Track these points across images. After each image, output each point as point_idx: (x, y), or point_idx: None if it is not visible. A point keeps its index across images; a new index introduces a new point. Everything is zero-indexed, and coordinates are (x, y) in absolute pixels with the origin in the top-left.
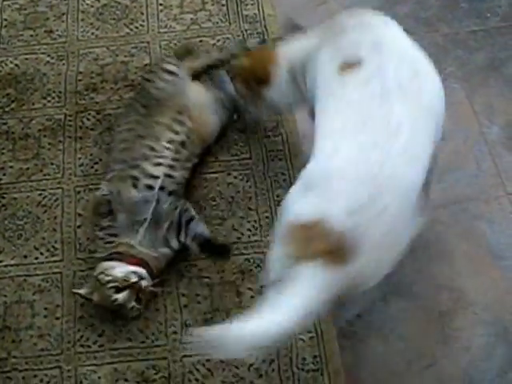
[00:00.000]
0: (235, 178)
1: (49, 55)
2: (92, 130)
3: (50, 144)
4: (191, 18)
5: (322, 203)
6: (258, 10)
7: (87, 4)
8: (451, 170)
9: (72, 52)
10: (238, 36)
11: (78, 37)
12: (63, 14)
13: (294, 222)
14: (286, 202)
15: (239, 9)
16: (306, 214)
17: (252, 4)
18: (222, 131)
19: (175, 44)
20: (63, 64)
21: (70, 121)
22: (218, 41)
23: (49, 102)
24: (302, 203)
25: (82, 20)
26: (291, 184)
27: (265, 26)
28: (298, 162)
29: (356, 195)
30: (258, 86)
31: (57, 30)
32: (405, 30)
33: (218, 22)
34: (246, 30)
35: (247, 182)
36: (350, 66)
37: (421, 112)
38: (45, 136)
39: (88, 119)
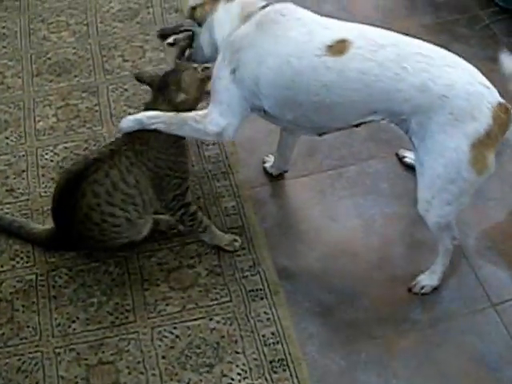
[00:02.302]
0: (218, 322)
1: (12, 215)
2: (66, 288)
3: (23, 306)
4: None
5: None
6: (220, 149)
7: (46, 159)
8: (434, 288)
9: (36, 210)
10: (202, 177)
11: (41, 193)
12: (23, 170)
13: None
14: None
15: (200, 150)
16: None
17: (213, 144)
18: None
19: None
20: None
21: (41, 280)
22: None
23: (18, 262)
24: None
25: (43, 176)
26: (275, 323)
27: (228, 165)
28: (279, 300)
29: None
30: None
31: (18, 188)
32: None
33: None
34: (209, 171)
35: (231, 325)
36: None
37: None
38: (17, 298)
39: (60, 277)
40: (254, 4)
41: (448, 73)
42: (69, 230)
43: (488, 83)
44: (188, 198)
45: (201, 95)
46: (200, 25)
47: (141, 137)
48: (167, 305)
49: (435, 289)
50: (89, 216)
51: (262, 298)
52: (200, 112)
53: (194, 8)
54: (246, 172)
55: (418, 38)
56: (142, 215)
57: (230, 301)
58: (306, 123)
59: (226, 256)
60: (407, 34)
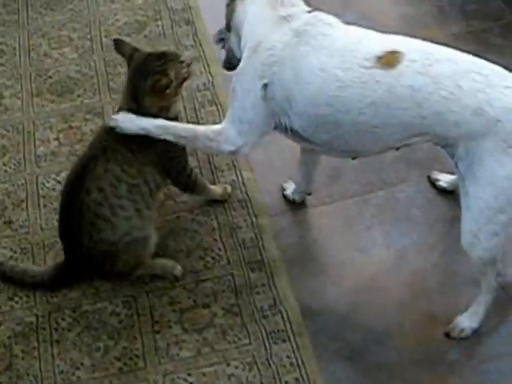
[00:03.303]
0: (236, 368)
1: (11, 249)
2: (69, 331)
3: (23, 352)
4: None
5: None
6: (236, 175)
7: (47, 188)
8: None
9: (37, 244)
10: (218, 206)
11: (42, 226)
12: (22, 201)
13: None
14: None
15: (215, 176)
16: None
17: (229, 169)
18: None
19: None
20: (28, 258)
21: (43, 323)
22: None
23: (16, 303)
24: None
25: (45, 206)
26: (299, 368)
27: (246, 192)
28: (303, 342)
29: None
30: None
31: (17, 220)
32: None
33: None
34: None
35: (250, 371)
36: None
37: None
38: (16, 343)
39: (63, 319)
40: (294, 3)
41: (505, 95)
42: (78, 243)
43: None
44: (188, 168)
45: (175, 96)
46: (228, 29)
47: (135, 137)
48: (180, 349)
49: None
50: (98, 213)
51: (284, 341)
52: (213, 127)
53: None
54: (264, 199)
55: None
56: (148, 203)
57: (249, 343)
58: (342, 146)
59: (244, 294)
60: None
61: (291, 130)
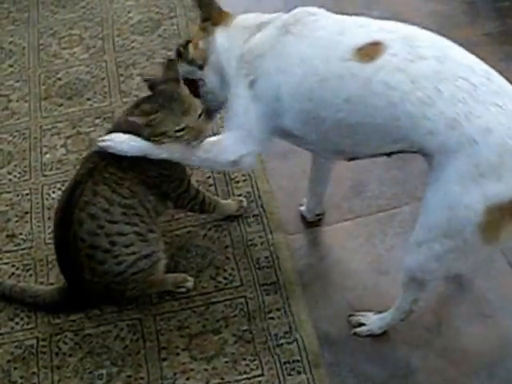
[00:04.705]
0: None
1: (13, 265)
2: (71, 356)
3: (22, 378)
4: None
5: None
6: (252, 186)
7: (53, 198)
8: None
9: (40, 259)
10: (232, 221)
11: (46, 240)
12: (26, 212)
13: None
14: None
15: (229, 188)
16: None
17: (244, 180)
18: None
19: None
20: (30, 275)
21: (43, 346)
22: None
23: (17, 324)
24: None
25: (49, 219)
26: None
27: (261, 206)
28: (320, 374)
29: None
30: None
31: (20, 234)
32: None
33: None
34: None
35: None
36: None
37: None
38: (15, 368)
39: (65, 343)
40: (260, 15)
41: (491, 113)
42: (80, 278)
43: None
44: (192, 191)
45: None
46: (201, 67)
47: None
48: (188, 379)
49: None
50: (95, 245)
51: (299, 372)
52: (210, 139)
53: (183, 48)
54: (281, 214)
55: (480, 48)
56: (150, 226)
57: (262, 375)
58: (330, 146)
59: (258, 319)
60: (465, 45)
61: (289, 132)
